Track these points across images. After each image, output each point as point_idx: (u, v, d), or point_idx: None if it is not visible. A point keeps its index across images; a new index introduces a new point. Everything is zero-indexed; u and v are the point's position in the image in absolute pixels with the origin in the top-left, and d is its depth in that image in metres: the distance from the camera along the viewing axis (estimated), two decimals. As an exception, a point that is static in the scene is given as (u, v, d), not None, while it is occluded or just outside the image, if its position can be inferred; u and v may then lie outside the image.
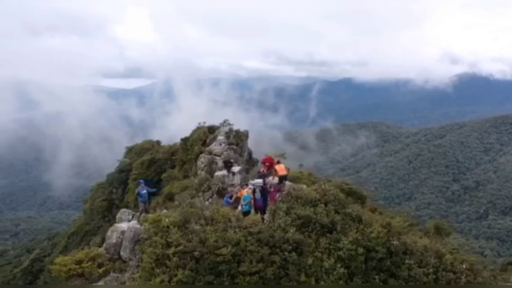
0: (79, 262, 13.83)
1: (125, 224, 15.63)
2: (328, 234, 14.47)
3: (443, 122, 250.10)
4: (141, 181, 16.90)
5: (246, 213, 15.09)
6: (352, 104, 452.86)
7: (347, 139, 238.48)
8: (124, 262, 14.63)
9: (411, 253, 15.08)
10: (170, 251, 12.66)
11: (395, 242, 15.29)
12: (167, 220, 13.84)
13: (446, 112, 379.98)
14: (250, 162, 38.76)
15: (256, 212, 15.51)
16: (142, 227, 14.24)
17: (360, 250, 14.08)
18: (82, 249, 19.02)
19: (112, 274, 14.23)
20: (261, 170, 19.54)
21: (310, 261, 13.63)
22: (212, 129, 37.74)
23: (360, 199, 26.87)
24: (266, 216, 14.99)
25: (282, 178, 18.17)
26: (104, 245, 15.20)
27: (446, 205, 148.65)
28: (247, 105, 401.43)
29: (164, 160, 49.79)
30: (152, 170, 50.96)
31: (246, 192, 15.49)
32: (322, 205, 15.34)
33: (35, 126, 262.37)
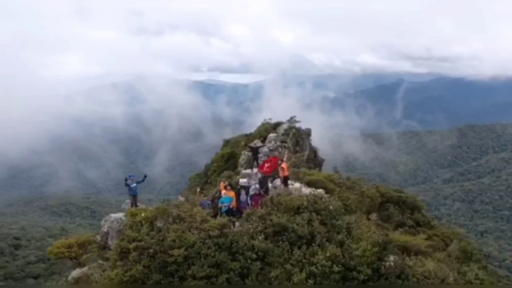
0: (69, 247, 14.94)
1: (116, 214, 16.42)
2: (304, 246, 13.23)
3: None
4: (131, 175, 17.46)
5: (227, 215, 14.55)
6: (476, 104, 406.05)
7: (469, 141, 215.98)
8: (111, 250, 15.34)
9: (406, 278, 13.05)
10: (132, 245, 12.91)
11: (390, 263, 13.38)
12: (142, 215, 14.13)
13: None
14: (316, 161, 37.54)
15: (240, 216, 14.90)
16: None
17: (336, 268, 12.63)
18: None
19: (99, 261, 15.02)
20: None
21: (276, 272, 12.68)
22: (276, 126, 37.33)
23: (412, 209, 24.19)
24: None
25: (285, 179, 17.19)
26: (99, 232, 16.21)
27: None
28: (359, 101, 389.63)
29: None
30: (231, 163, 52.57)
31: (224, 193, 14.96)
32: (307, 213, 14.08)
33: (155, 116, 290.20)
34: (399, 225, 21.88)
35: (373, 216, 22.61)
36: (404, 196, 24.45)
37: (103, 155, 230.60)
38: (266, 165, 18.78)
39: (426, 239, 20.91)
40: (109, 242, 15.52)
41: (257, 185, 17.32)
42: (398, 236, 16.30)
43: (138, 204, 16.97)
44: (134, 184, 16.81)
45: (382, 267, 13.24)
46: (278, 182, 17.56)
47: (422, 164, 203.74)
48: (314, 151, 37.20)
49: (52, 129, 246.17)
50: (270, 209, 14.12)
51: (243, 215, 14.17)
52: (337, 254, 12.94)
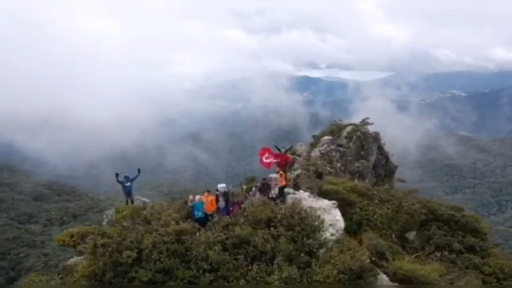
0: (71, 236, 16.21)
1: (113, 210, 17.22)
2: (264, 263, 12.24)
3: None
4: (126, 175, 17.76)
5: (198, 221, 14.16)
6: None
7: None
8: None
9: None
10: (101, 241, 13.46)
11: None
12: (124, 213, 14.63)
13: None
14: (387, 167, 34.54)
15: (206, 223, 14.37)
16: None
17: (289, 291, 11.43)
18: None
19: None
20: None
21: (228, 287, 12.00)
22: (346, 127, 34.93)
23: (467, 231, 20.53)
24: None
25: (281, 189, 16.04)
26: (101, 225, 17.20)
27: None
28: (496, 101, 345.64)
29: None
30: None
31: (198, 199, 14.49)
32: (280, 228, 12.96)
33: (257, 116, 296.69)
34: (440, 248, 18.77)
35: (411, 234, 19.82)
36: (459, 216, 20.74)
37: (220, 148, 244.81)
38: (265, 156, 17.61)
39: (467, 268, 17.74)
40: (106, 235, 16.44)
41: (250, 192, 16.65)
42: (402, 264, 13.97)
43: (134, 201, 17.60)
44: (129, 184, 17.36)
45: (348, 298, 11.59)
46: (275, 192, 16.48)
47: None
48: (386, 157, 34.02)
49: (176, 121, 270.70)
50: (239, 219, 13.39)
51: (209, 223, 13.69)
52: (294, 276, 11.71)
